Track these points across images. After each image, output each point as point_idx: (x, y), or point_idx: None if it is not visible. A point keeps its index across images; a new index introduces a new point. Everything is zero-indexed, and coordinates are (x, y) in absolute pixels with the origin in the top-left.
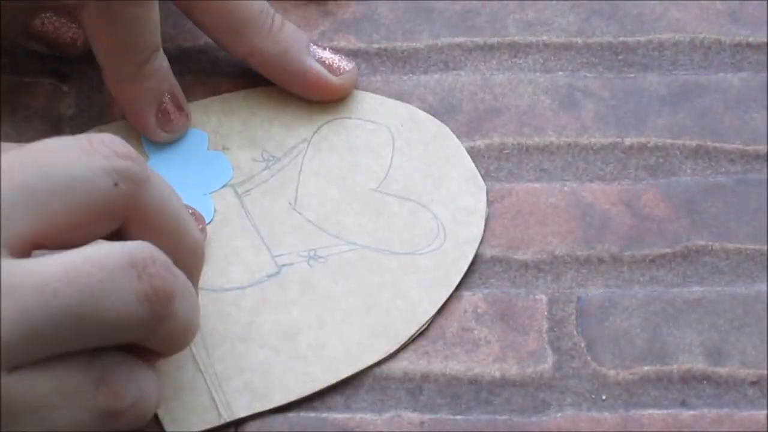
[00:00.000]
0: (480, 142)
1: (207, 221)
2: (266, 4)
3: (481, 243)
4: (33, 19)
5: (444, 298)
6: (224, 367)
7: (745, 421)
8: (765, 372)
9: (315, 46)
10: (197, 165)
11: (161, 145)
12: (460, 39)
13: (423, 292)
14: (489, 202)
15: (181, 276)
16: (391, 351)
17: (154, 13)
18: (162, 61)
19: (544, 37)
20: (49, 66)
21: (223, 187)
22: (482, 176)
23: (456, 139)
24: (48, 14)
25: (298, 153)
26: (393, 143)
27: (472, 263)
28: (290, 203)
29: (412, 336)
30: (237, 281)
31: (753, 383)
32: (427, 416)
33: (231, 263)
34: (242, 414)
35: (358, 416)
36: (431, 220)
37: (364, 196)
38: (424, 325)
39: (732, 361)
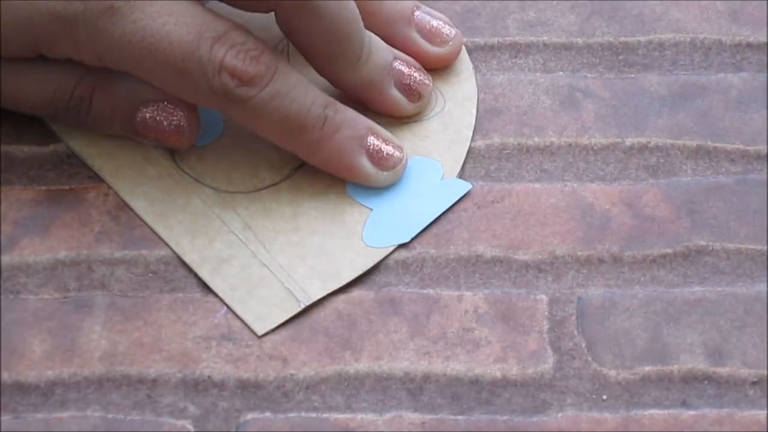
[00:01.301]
0: (480, 143)
1: (218, 133)
2: (364, 34)
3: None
4: (134, 115)
5: (464, 153)
6: (286, 258)
7: (746, 421)
8: (766, 372)
9: (398, 63)
10: None
11: None
12: None
13: (443, 152)
14: (489, 203)
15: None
16: (437, 212)
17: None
18: (345, 110)
19: (545, 38)
20: None
21: None
22: (482, 177)
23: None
24: (147, 107)
25: (282, 49)
26: None
27: (473, 264)
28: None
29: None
30: (268, 179)
31: (754, 383)
32: (428, 416)
33: (257, 164)
34: (319, 295)
35: (359, 416)
36: None
37: None
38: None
39: (733, 362)
